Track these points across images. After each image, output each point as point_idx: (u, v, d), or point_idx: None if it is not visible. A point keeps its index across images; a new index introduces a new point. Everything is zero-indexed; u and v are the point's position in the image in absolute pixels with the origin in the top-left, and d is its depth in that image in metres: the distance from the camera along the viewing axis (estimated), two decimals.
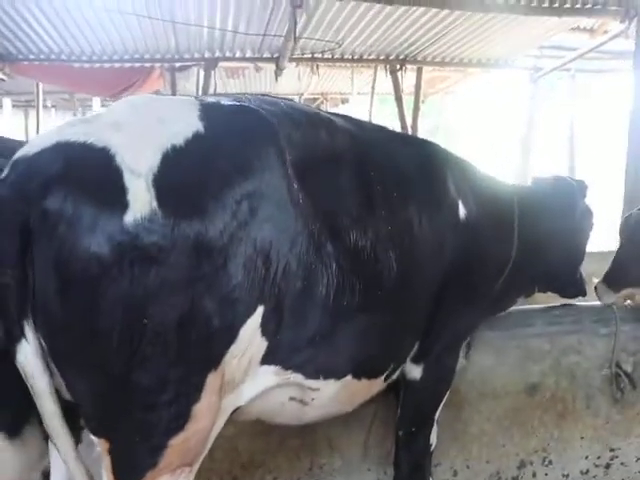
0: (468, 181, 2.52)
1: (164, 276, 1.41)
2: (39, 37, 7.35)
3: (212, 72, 8.35)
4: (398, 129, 7.94)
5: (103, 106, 13.13)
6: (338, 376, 1.99)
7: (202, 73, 8.78)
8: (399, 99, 8.39)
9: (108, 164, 1.42)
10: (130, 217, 1.38)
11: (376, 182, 2.02)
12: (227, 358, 1.57)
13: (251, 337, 1.60)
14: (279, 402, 1.92)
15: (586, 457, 3.30)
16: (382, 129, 2.51)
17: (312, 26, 6.96)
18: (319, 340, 1.80)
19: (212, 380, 1.55)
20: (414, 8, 6.15)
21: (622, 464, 3.35)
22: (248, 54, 7.97)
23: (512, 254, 2.73)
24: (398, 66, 8.16)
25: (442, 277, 2.29)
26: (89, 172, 1.42)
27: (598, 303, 3.22)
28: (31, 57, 7.78)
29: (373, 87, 9.53)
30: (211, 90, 9.07)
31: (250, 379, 1.72)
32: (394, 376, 2.35)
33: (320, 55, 7.86)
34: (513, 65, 9.14)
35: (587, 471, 3.31)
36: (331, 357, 1.91)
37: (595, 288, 3.11)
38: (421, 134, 8.94)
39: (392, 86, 8.43)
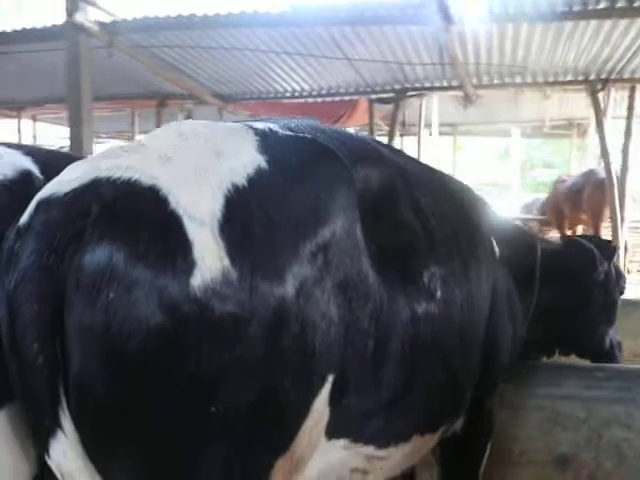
0: (495, 221, 2.42)
1: (240, 354, 1.12)
2: (259, 79, 8.43)
3: (425, 100, 8.46)
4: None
5: None
6: (407, 438, 1.75)
7: (424, 102, 8.95)
8: (599, 123, 7.44)
9: (161, 207, 1.11)
10: (198, 279, 1.07)
11: (435, 226, 1.81)
12: (299, 437, 1.30)
13: (322, 411, 1.35)
14: (339, 475, 1.63)
15: None
16: (429, 168, 2.44)
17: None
18: (392, 404, 1.57)
19: (282, 464, 1.28)
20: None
21: None
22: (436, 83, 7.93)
23: (533, 299, 2.52)
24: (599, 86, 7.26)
25: (487, 318, 2.10)
26: (138, 218, 1.11)
27: None
28: (247, 96, 8.94)
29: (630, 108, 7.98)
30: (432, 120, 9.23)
31: (317, 453, 1.45)
32: (452, 429, 2.14)
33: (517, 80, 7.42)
34: None
35: None
36: (404, 420, 1.69)
37: None
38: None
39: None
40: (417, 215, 1.73)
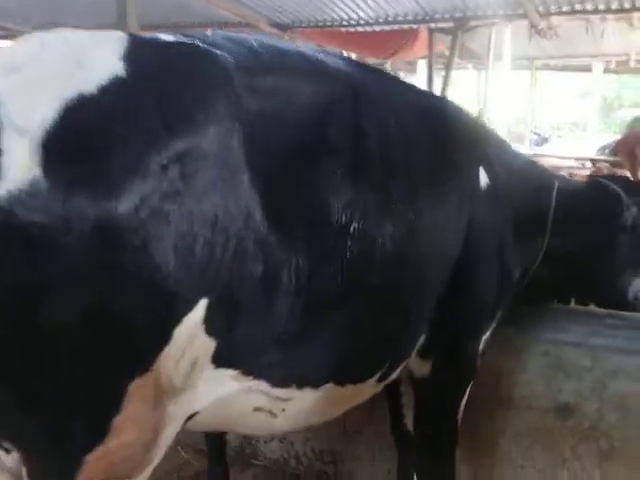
0: (492, 150, 2.24)
1: (59, 264, 1.11)
2: (316, 7, 8.14)
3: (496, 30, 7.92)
4: None
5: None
6: (316, 384, 1.66)
7: (494, 33, 8.42)
8: None
9: None
10: (2, 189, 1.07)
11: (375, 142, 1.67)
12: (159, 363, 1.27)
13: (191, 336, 1.29)
14: (241, 412, 1.63)
15: None
16: (394, 79, 2.33)
17: None
18: (288, 340, 1.49)
19: (138, 388, 1.25)
20: None
21: None
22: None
23: (544, 241, 2.36)
24: None
25: (457, 255, 1.95)
26: None
27: None
28: (304, 25, 8.68)
29: None
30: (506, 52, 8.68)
31: (204, 383, 1.42)
32: (393, 375, 1.98)
33: None
34: None
35: None
36: (306, 361, 1.59)
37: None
38: None
39: None
40: (354, 136, 1.58)
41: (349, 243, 1.53)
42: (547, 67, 14.36)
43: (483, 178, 2.04)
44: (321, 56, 1.71)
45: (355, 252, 1.54)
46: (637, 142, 9.70)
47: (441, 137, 1.92)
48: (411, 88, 2.19)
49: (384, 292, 1.68)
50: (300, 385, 1.61)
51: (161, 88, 1.25)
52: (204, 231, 1.23)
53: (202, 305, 1.28)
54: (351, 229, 1.53)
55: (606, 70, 13.92)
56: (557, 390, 2.55)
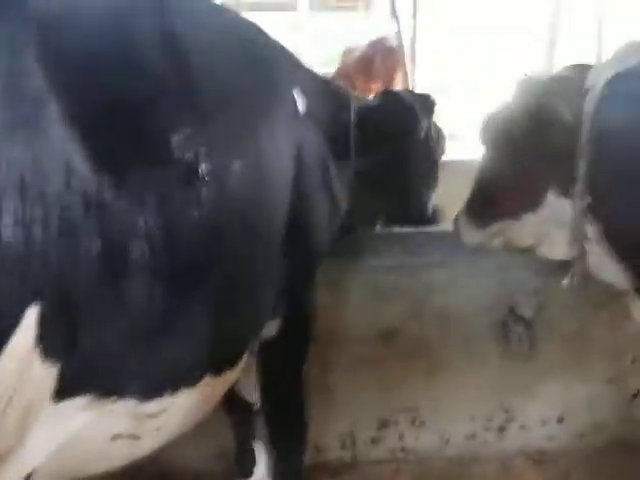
0: (301, 71, 1.99)
1: None
2: None
3: None
4: None
5: None
6: (193, 381, 1.33)
7: None
8: None
9: None
10: None
11: (195, 60, 1.30)
12: None
13: (21, 369, 0.93)
14: (93, 449, 1.24)
15: (471, 418, 2.61)
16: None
17: None
18: (152, 332, 1.16)
19: None
20: None
21: (522, 428, 2.64)
22: None
23: (351, 164, 2.16)
24: None
25: (291, 191, 1.64)
26: None
27: None
28: None
29: None
30: None
31: (45, 429, 1.06)
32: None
33: None
34: None
35: (474, 435, 2.63)
36: (177, 355, 1.26)
37: (454, 222, 2.26)
38: None
39: None
40: (164, 56, 1.22)
41: (203, 190, 1.19)
42: (254, 7, 14.34)
43: (300, 100, 1.78)
44: None
45: (211, 200, 1.21)
46: (353, 72, 10.17)
47: (255, 58, 1.62)
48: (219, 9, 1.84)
49: (246, 246, 1.36)
50: (175, 388, 1.27)
51: None
52: (9, 204, 0.84)
53: (31, 317, 0.89)
54: (199, 171, 1.19)
55: (312, 8, 14.37)
56: (379, 316, 2.45)
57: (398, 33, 7.10)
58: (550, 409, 2.63)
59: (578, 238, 1.94)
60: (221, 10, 1.84)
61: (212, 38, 1.42)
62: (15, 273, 0.87)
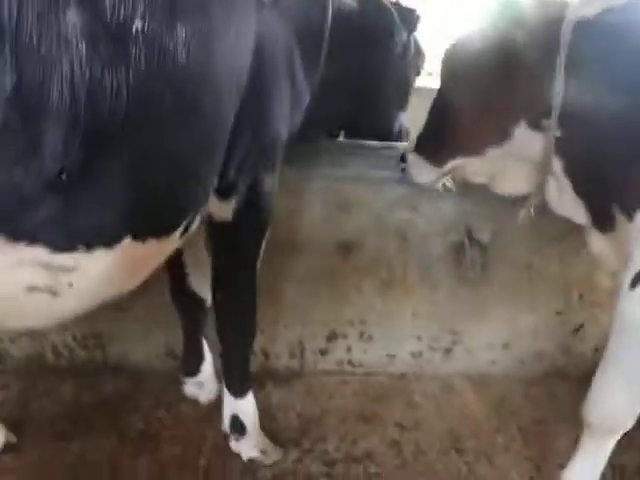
0: None
1: None
2: None
3: None
4: None
5: None
6: (109, 241, 1.29)
7: None
8: None
9: None
10: None
11: None
12: None
13: None
14: (8, 297, 1.23)
15: (418, 337, 2.67)
16: None
17: None
18: (69, 183, 1.12)
19: None
20: None
21: (467, 351, 2.70)
22: None
23: (319, 65, 2.09)
24: None
25: (249, 77, 1.60)
26: None
27: None
28: None
29: None
30: None
31: None
32: (195, 224, 1.65)
33: None
34: None
35: (420, 354, 2.69)
36: (94, 210, 1.22)
37: (401, 159, 2.19)
38: None
39: None
40: None
41: (134, 48, 1.14)
42: None
43: None
44: None
45: (143, 59, 1.15)
46: None
47: None
48: None
49: (181, 114, 1.30)
50: (90, 245, 1.23)
51: None
52: None
53: None
54: (134, 28, 1.13)
55: None
56: (338, 228, 2.45)
57: None
58: (496, 335, 2.69)
59: (544, 172, 1.91)
60: None
61: None
62: None
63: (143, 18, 1.15)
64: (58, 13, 1.02)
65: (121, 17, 1.11)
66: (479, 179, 2.09)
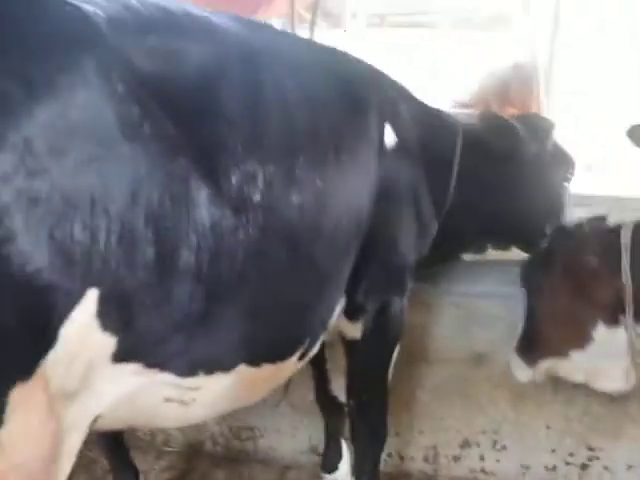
0: (399, 104, 2.09)
1: None
2: None
3: None
4: None
5: None
6: (226, 367, 1.55)
7: None
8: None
9: None
10: None
11: (274, 105, 1.54)
12: (44, 368, 1.12)
13: (83, 335, 1.16)
14: (151, 405, 1.50)
15: (552, 450, 2.70)
16: (287, 35, 2.16)
17: None
18: (192, 325, 1.37)
19: (23, 397, 1.11)
20: None
21: (605, 468, 2.68)
22: None
23: (449, 193, 2.25)
24: None
25: (370, 217, 1.85)
26: None
27: None
28: None
29: None
30: None
31: (104, 382, 1.30)
32: (314, 350, 1.86)
33: None
34: None
35: (554, 467, 2.71)
36: (213, 345, 1.47)
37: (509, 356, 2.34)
38: None
39: None
40: (251, 100, 1.46)
41: (252, 217, 1.41)
42: (400, 24, 14.54)
43: (389, 135, 1.93)
44: (208, 14, 1.53)
45: (260, 225, 1.43)
46: (491, 96, 10.15)
47: (342, 95, 1.79)
48: (306, 43, 2.07)
49: (294, 265, 1.57)
50: (209, 371, 1.50)
51: (20, 48, 1.06)
52: (80, 213, 1.08)
53: (92, 297, 1.13)
54: (253, 201, 1.41)
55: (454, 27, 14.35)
56: (469, 340, 2.61)
57: (534, 58, 6.91)
58: (637, 453, 2.64)
59: (637, 364, 1.99)
60: (311, 47, 2.01)
61: (298, 78, 1.62)
62: (81, 263, 1.09)
63: (262, 193, 1.43)
64: (191, 195, 1.27)
65: (243, 194, 1.39)
66: (576, 379, 2.21)
